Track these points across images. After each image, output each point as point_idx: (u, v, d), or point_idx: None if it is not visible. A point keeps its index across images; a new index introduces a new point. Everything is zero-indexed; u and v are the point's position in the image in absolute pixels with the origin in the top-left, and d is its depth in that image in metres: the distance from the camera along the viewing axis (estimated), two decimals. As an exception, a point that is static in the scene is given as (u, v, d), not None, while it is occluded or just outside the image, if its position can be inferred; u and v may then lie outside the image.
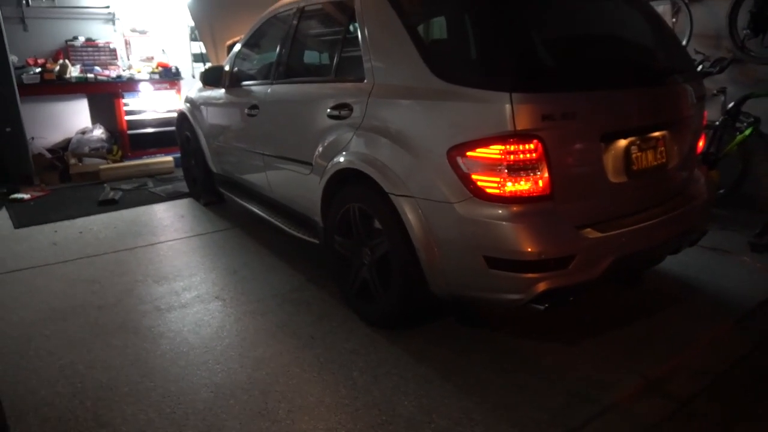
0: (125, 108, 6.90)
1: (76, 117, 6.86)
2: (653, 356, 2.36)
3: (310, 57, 3.72)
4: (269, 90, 3.53)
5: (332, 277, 2.99)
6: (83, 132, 6.70)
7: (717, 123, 4.17)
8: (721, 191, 4.07)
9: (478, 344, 2.48)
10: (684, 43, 4.28)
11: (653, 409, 2.07)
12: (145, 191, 5.60)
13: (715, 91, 4.22)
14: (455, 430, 1.93)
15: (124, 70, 7.04)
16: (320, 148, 2.85)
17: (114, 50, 7.17)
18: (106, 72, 6.84)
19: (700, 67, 4.18)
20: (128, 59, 7.33)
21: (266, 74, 3.67)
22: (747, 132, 4.01)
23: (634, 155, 2.30)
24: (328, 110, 2.77)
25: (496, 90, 2.02)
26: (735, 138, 4.07)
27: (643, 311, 2.75)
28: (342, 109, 2.68)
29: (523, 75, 2.06)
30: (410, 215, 2.26)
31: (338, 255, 2.80)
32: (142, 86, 7.03)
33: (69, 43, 6.90)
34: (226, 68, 4.10)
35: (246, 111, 3.68)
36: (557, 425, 1.94)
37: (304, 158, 3.01)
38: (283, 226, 3.34)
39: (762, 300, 2.85)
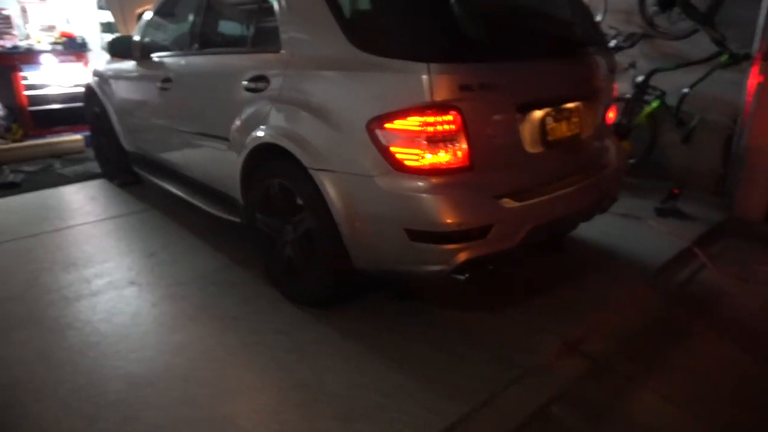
0: (25, 82, 6.27)
1: (-34, 92, 6.18)
2: (572, 319, 2.47)
3: (225, 27, 3.52)
4: (183, 62, 3.33)
5: (257, 257, 2.90)
6: (-25, 109, 6.06)
7: (628, 95, 4.38)
8: (633, 160, 4.29)
9: (408, 317, 2.49)
10: (600, 18, 4.43)
11: (571, 368, 2.18)
12: (51, 173, 5.17)
13: (626, 65, 4.42)
14: (386, 403, 1.94)
15: (21, 40, 6.39)
16: (237, 123, 2.72)
17: (8, 18, 6.47)
18: (0, 42, 6.18)
19: (614, 42, 4.35)
20: (25, 28, 6.66)
21: (179, 45, 3.45)
22: (654, 104, 4.24)
23: (549, 126, 2.35)
24: (245, 82, 2.64)
25: (413, 60, 2.00)
26: (644, 110, 4.30)
27: (563, 276, 2.87)
28: (259, 81, 2.57)
29: (441, 45, 2.05)
30: (331, 190, 2.20)
31: (261, 233, 2.71)
32: (43, 58, 6.40)
33: (-47, 8, 6.17)
34: (136, 38, 3.82)
35: (159, 84, 3.45)
36: (484, 390, 2.00)
37: (221, 134, 2.87)
38: (202, 206, 3.19)
39: (667, 260, 3.06)
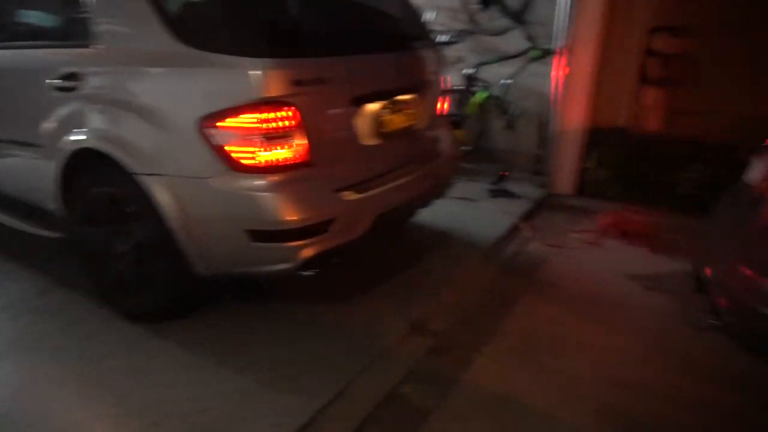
0: None
1: None
2: (417, 300, 2.61)
3: (29, 17, 3.07)
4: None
5: (83, 275, 2.59)
6: None
7: (459, 87, 4.72)
8: (467, 148, 4.65)
9: (255, 318, 2.42)
10: (432, 16, 4.70)
11: (417, 347, 2.31)
12: None
13: (456, 59, 4.76)
14: (237, 411, 1.87)
15: None
16: (48, 127, 2.41)
17: None
18: None
19: (444, 38, 4.65)
20: None
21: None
22: (482, 95, 4.63)
23: (384, 118, 2.44)
24: (53, 81, 2.34)
25: (246, 56, 1.95)
26: (473, 100, 4.68)
27: (406, 261, 3.01)
28: (71, 80, 2.30)
29: (274, 40, 2.02)
30: (162, 196, 2.06)
31: (88, 248, 2.44)
32: None
33: None
34: None
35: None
36: (338, 381, 2.03)
37: (29, 139, 2.52)
38: (10, 222, 2.78)
39: (499, 237, 3.39)
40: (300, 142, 2.06)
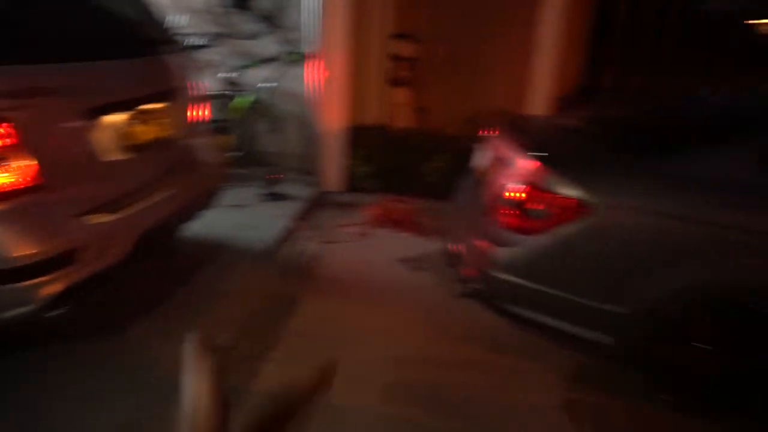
0: None
1: None
2: (195, 318, 2.49)
3: None
4: None
5: None
6: None
7: (220, 92, 4.58)
8: (237, 153, 4.54)
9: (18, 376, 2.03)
10: (185, 18, 4.43)
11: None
12: None
13: (213, 64, 4.59)
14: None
15: None
16: None
17: None
18: None
19: (200, 41, 4.43)
20: None
21: None
22: (247, 98, 4.57)
23: (131, 129, 2.24)
24: None
25: None
26: (238, 104, 4.58)
27: (181, 278, 2.85)
28: None
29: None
30: None
31: None
32: None
33: None
34: None
35: None
36: (117, 422, 1.84)
37: None
38: None
39: (275, 240, 3.42)
40: (24, 164, 1.76)
